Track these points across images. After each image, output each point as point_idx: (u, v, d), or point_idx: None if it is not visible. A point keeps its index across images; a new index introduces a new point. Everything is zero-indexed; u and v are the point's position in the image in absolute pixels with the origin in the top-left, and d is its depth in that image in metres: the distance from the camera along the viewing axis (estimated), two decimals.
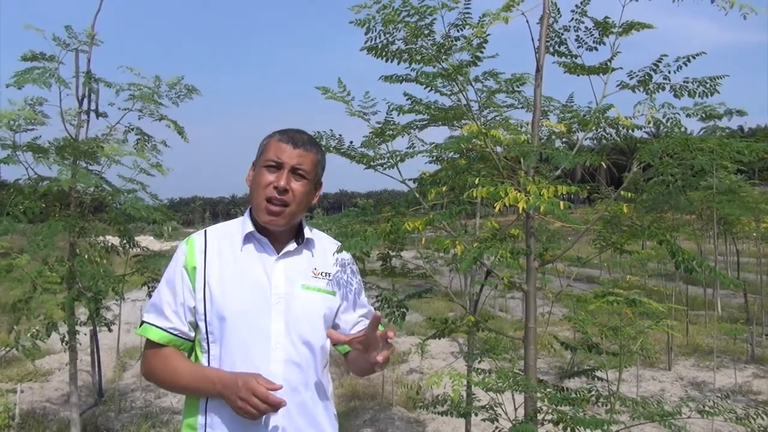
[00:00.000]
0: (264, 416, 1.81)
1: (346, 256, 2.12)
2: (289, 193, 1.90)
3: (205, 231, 2.00)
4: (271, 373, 1.83)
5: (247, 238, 1.95)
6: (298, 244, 2.00)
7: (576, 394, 2.76)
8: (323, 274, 2.01)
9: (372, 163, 2.83)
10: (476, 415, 3.21)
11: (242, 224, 1.98)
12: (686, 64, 2.77)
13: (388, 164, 2.72)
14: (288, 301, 1.90)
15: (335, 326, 2.06)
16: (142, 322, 1.94)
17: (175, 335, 1.90)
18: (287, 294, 1.91)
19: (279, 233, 1.97)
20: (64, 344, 4.51)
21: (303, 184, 1.94)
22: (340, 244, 2.14)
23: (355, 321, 2.09)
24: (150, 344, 1.93)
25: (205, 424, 1.86)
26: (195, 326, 1.92)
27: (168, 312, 1.89)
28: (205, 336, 1.88)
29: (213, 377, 1.81)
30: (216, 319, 1.86)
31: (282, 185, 1.89)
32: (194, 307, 1.89)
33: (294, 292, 1.93)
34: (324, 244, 2.09)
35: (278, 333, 1.87)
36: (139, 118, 4.68)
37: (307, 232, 2.04)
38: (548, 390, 2.74)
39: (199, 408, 1.88)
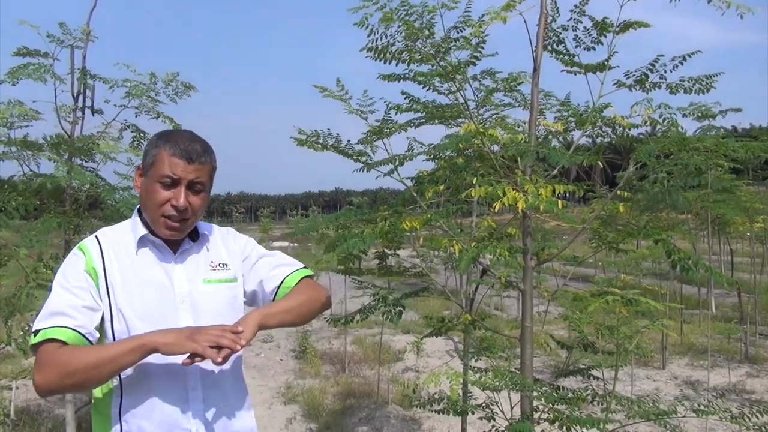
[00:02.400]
0: (188, 411, 1.80)
1: (235, 238, 2.07)
2: (188, 209, 1.85)
3: (96, 236, 1.91)
4: (187, 369, 1.78)
5: (141, 242, 1.90)
6: (193, 241, 1.96)
7: (572, 393, 2.77)
8: (221, 265, 1.98)
9: (371, 165, 2.83)
10: (472, 413, 3.21)
11: (133, 228, 1.92)
12: (682, 63, 2.78)
13: (389, 170, 2.73)
14: (193, 298, 1.88)
15: (261, 288, 2.03)
16: (37, 332, 1.72)
17: (83, 335, 1.73)
18: (191, 292, 1.88)
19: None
20: None
21: (201, 197, 1.89)
22: (227, 229, 2.10)
23: (268, 277, 2.04)
24: (45, 347, 1.70)
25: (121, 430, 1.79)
26: (100, 330, 1.81)
27: (71, 312, 1.74)
28: (113, 342, 1.80)
29: (140, 340, 1.69)
30: (123, 325, 1.80)
31: (182, 205, 1.83)
32: (101, 313, 1.80)
33: (198, 289, 1.90)
34: (215, 235, 2.05)
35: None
36: (136, 116, 4.66)
37: (200, 228, 2.00)
38: (544, 389, 2.74)
39: (112, 418, 1.80)
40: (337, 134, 2.83)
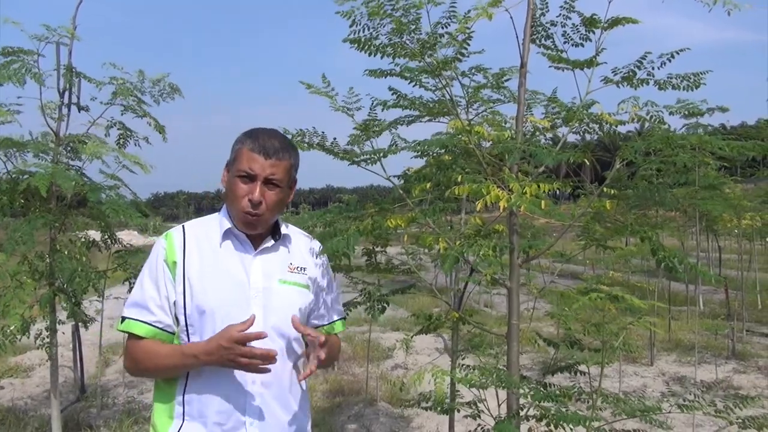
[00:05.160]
0: (245, 404, 1.90)
1: (321, 259, 2.17)
2: (263, 204, 1.93)
3: (183, 226, 2.03)
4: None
5: (226, 235, 1.99)
6: (275, 240, 2.05)
7: (559, 390, 2.77)
8: (299, 269, 2.07)
9: (356, 159, 2.82)
10: (458, 411, 3.21)
11: (220, 221, 2.02)
12: (670, 60, 2.78)
13: (371, 160, 2.72)
14: (266, 295, 1.96)
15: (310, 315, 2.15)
16: (124, 318, 1.97)
17: (160, 329, 1.93)
18: (265, 288, 1.97)
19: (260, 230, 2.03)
20: (38, 341, 4.46)
21: (276, 193, 1.96)
22: (313, 239, 2.19)
23: (320, 314, 2.18)
24: (132, 339, 1.96)
25: (183, 412, 1.91)
26: (176, 320, 1.95)
27: (153, 307, 1.93)
28: (185, 329, 1.93)
29: (192, 352, 1.86)
30: (196, 313, 1.91)
31: (256, 199, 1.92)
32: (175, 301, 1.93)
33: (272, 287, 1.98)
34: (299, 239, 2.14)
35: (257, 327, 1.90)
36: (122, 113, 4.62)
37: (283, 228, 2.09)
38: (531, 386, 2.74)
39: (176, 396, 1.92)
40: (323, 132, 2.82)
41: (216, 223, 2.03)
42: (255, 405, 1.91)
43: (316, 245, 2.18)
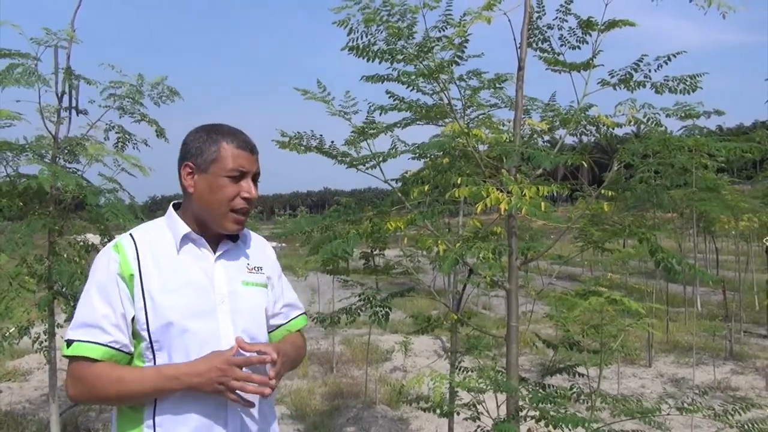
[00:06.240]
0: (227, 416, 1.80)
1: (271, 251, 2.11)
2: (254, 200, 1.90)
3: (131, 235, 1.87)
4: None
5: (183, 240, 1.88)
6: (233, 241, 1.96)
7: (557, 392, 2.78)
8: (256, 269, 1.99)
9: (354, 163, 2.82)
10: (458, 414, 3.21)
11: (172, 226, 1.90)
12: (666, 63, 2.80)
13: (371, 165, 2.72)
14: (232, 299, 1.88)
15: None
16: (70, 342, 1.75)
17: (117, 349, 1.76)
18: (231, 292, 1.88)
19: (216, 232, 1.93)
20: (37, 345, 4.46)
21: (257, 187, 1.92)
22: (262, 238, 2.13)
23: (277, 312, 2.09)
24: (80, 363, 1.76)
25: None
26: (137, 337, 1.80)
27: (107, 326, 1.75)
28: (149, 345, 1.78)
29: (174, 373, 1.72)
30: (161, 327, 1.77)
31: (254, 195, 1.86)
32: (134, 318, 1.78)
33: (237, 290, 1.90)
34: (253, 239, 2.07)
35: (227, 333, 1.83)
36: (120, 117, 4.62)
37: None
38: (530, 388, 2.75)
39: (144, 420, 1.77)
40: (321, 135, 2.82)
41: (165, 228, 1.90)
42: (236, 416, 1.81)
43: (267, 244, 2.12)
